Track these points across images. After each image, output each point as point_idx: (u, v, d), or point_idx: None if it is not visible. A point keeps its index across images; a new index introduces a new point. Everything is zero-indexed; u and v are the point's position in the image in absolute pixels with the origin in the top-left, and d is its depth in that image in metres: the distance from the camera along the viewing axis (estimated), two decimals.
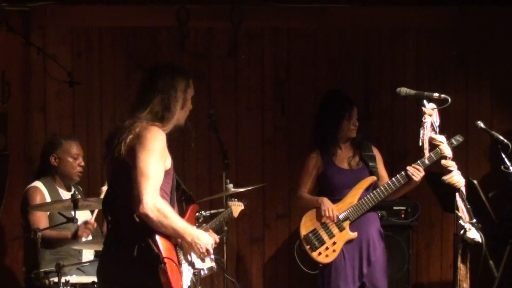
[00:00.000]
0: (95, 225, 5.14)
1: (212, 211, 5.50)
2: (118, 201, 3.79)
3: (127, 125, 3.76)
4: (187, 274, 3.85)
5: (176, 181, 3.96)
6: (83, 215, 5.30)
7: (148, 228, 3.65)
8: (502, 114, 6.77)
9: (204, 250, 3.78)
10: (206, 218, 5.37)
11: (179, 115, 3.88)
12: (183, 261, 3.82)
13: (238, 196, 5.64)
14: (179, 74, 3.91)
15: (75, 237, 5.11)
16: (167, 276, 3.63)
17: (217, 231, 4.59)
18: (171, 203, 3.80)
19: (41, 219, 5.21)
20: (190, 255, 3.85)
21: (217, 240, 3.95)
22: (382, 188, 5.24)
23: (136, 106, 3.84)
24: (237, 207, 5.35)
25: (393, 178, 5.21)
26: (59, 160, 5.43)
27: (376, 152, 5.49)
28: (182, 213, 3.88)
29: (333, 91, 5.64)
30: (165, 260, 3.62)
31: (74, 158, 5.45)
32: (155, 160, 3.66)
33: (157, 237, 3.66)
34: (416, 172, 5.14)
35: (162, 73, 3.90)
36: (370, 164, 5.39)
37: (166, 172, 3.76)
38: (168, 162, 3.79)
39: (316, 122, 5.48)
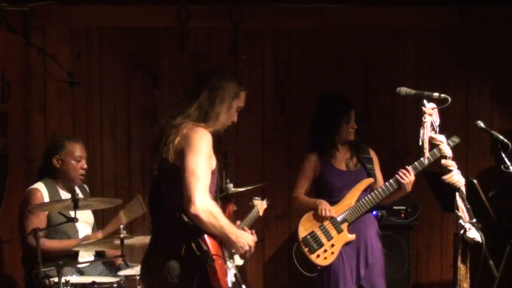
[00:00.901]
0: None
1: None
2: (165, 201, 3.88)
3: (176, 124, 3.85)
4: (231, 271, 3.95)
5: None
6: (83, 215, 5.30)
7: (197, 227, 3.74)
8: (502, 114, 6.77)
9: (247, 248, 3.89)
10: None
11: (222, 119, 3.95)
12: (228, 259, 3.92)
13: (242, 195, 5.64)
14: (233, 80, 4.02)
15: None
16: (216, 273, 3.74)
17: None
18: (216, 202, 3.89)
19: (37, 225, 5.09)
20: (233, 252, 3.97)
21: (255, 239, 4.01)
22: (376, 192, 5.25)
23: (187, 98, 3.95)
24: (262, 206, 5.27)
25: (386, 183, 5.23)
26: (62, 162, 5.37)
27: (373, 154, 5.50)
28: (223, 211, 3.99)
29: (330, 94, 5.65)
30: (214, 257, 3.74)
31: (77, 160, 5.38)
32: (203, 161, 3.76)
33: (206, 236, 3.76)
34: (406, 175, 5.15)
35: (218, 73, 4.03)
36: (368, 166, 5.40)
37: (212, 172, 3.85)
38: (213, 162, 3.88)
39: (314, 125, 5.48)
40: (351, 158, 5.42)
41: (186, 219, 3.75)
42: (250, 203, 5.04)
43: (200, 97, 3.91)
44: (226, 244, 3.88)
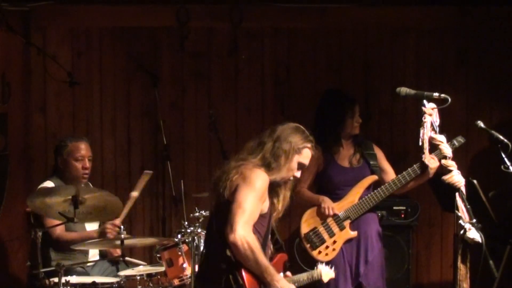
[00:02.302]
0: (120, 225, 5.09)
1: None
2: (215, 233, 4.01)
3: (238, 165, 3.99)
4: None
5: (271, 229, 4.17)
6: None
7: (239, 262, 3.89)
8: (502, 114, 6.77)
9: None
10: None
11: (283, 172, 4.04)
12: None
13: None
14: (299, 134, 4.10)
15: (102, 236, 5.12)
16: None
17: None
18: (263, 247, 4.00)
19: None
20: None
21: None
22: (379, 190, 5.23)
23: (254, 146, 4.10)
24: (327, 273, 4.52)
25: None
26: (64, 162, 5.39)
27: (377, 150, 5.48)
28: (270, 259, 4.11)
29: (332, 90, 5.64)
30: None
31: (77, 160, 5.37)
32: (254, 197, 3.90)
33: (243, 270, 3.90)
34: (433, 160, 5.02)
35: (285, 125, 4.13)
36: (371, 162, 5.39)
37: (262, 216, 3.98)
38: (265, 206, 4.00)
39: (317, 121, 5.46)
40: (354, 154, 5.41)
41: (229, 253, 3.90)
42: (315, 267, 4.50)
43: (265, 148, 4.03)
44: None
